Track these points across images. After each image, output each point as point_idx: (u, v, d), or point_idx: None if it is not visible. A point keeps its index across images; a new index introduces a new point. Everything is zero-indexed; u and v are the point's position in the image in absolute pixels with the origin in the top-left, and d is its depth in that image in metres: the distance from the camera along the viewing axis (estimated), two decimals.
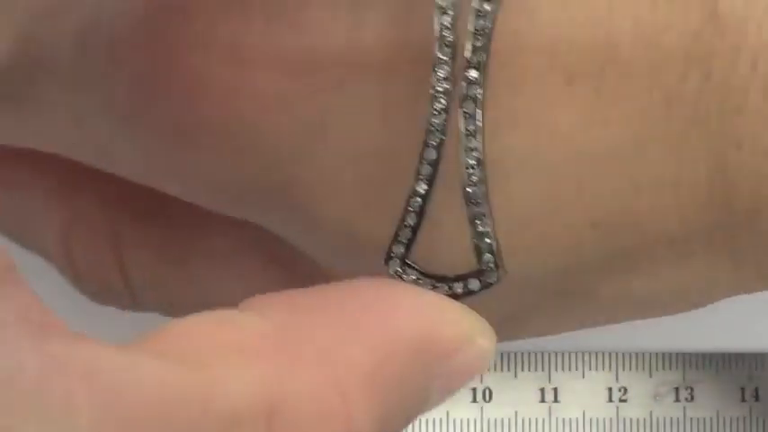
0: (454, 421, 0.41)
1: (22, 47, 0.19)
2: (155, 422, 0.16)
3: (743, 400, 0.39)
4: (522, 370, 0.41)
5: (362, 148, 0.21)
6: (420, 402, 0.20)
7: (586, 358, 0.40)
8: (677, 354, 0.40)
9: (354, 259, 0.21)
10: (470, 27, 0.19)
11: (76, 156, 0.23)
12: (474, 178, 0.19)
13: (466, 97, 0.19)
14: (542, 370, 0.41)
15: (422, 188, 0.19)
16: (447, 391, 0.20)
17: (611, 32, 0.20)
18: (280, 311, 0.19)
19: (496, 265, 0.20)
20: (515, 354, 0.40)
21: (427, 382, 0.20)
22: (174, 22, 0.20)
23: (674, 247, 0.21)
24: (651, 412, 0.40)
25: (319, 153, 0.21)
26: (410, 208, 0.20)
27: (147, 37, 0.20)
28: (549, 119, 0.21)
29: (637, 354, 0.40)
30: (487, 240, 0.19)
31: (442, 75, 0.19)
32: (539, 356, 0.41)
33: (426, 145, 0.19)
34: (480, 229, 0.19)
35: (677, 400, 0.39)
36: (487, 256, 0.20)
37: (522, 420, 0.40)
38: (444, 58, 0.19)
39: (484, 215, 0.19)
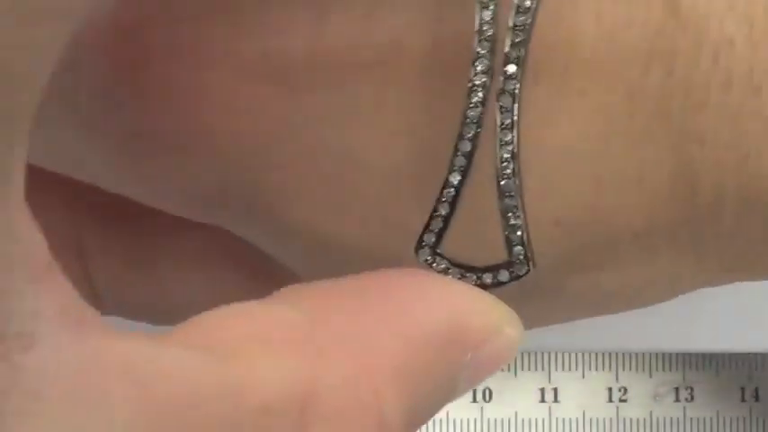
0: (454, 421, 0.41)
1: None
2: (189, 414, 0.16)
3: (743, 400, 0.40)
4: (522, 370, 0.41)
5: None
6: (447, 393, 0.20)
7: (586, 358, 0.41)
8: (677, 354, 0.40)
9: (325, 263, 0.21)
10: (510, 22, 0.19)
11: (40, 161, 0.23)
12: (507, 171, 0.20)
13: (503, 91, 0.19)
14: (542, 370, 0.41)
15: (455, 179, 0.20)
16: (474, 381, 0.20)
17: (574, 28, 0.20)
18: (309, 302, 0.19)
19: (527, 258, 0.20)
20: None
21: (455, 372, 0.20)
22: (137, 29, 0.21)
23: (637, 242, 0.22)
24: (651, 412, 0.40)
25: (289, 156, 0.21)
26: (443, 198, 0.20)
27: (110, 44, 0.21)
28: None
29: (637, 354, 0.40)
30: (519, 233, 0.20)
31: (480, 68, 0.19)
32: (539, 356, 0.41)
33: (462, 137, 0.20)
34: (512, 221, 0.20)
35: (677, 400, 0.40)
36: (518, 248, 0.20)
37: (522, 420, 0.41)
38: (483, 52, 0.19)
39: (516, 208, 0.20)
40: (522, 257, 0.20)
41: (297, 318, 0.19)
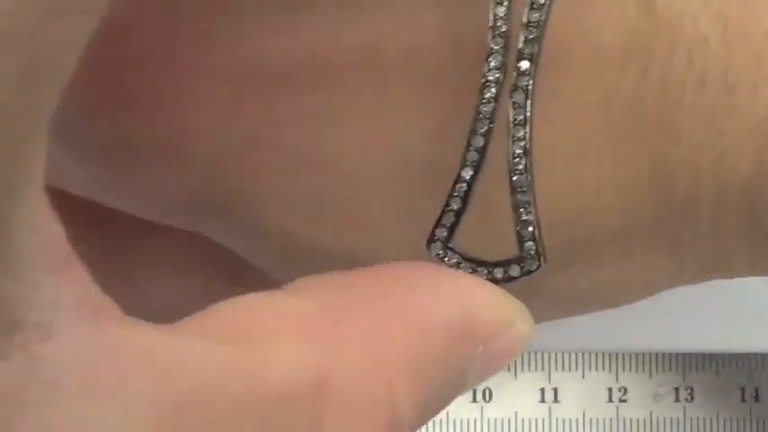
0: (454, 421, 0.41)
1: None
2: (206, 404, 0.16)
3: (743, 400, 0.40)
4: (522, 370, 0.41)
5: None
6: (458, 386, 0.20)
7: (586, 358, 0.41)
8: (677, 354, 0.41)
9: (302, 268, 0.21)
10: (524, 18, 0.19)
11: None
12: (520, 167, 0.20)
13: (516, 87, 0.19)
14: (542, 370, 0.41)
15: (468, 174, 0.20)
16: (484, 375, 0.21)
17: (550, 30, 0.20)
18: (323, 293, 0.19)
19: (538, 253, 0.20)
20: None
21: (466, 365, 0.20)
22: (110, 38, 0.21)
23: (615, 241, 0.22)
24: (651, 412, 0.40)
25: (264, 161, 0.21)
26: (455, 193, 0.20)
27: (85, 55, 0.21)
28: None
29: (637, 354, 0.41)
30: (530, 228, 0.20)
31: (493, 64, 0.19)
32: (539, 356, 0.41)
33: (474, 132, 0.20)
34: (524, 217, 0.20)
35: (677, 400, 0.40)
36: (529, 243, 0.20)
37: (522, 420, 0.41)
38: (497, 47, 0.19)
39: (528, 203, 0.20)
40: (533, 253, 0.20)
41: (311, 308, 0.19)
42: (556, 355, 0.41)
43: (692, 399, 0.40)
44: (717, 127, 0.21)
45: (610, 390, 0.40)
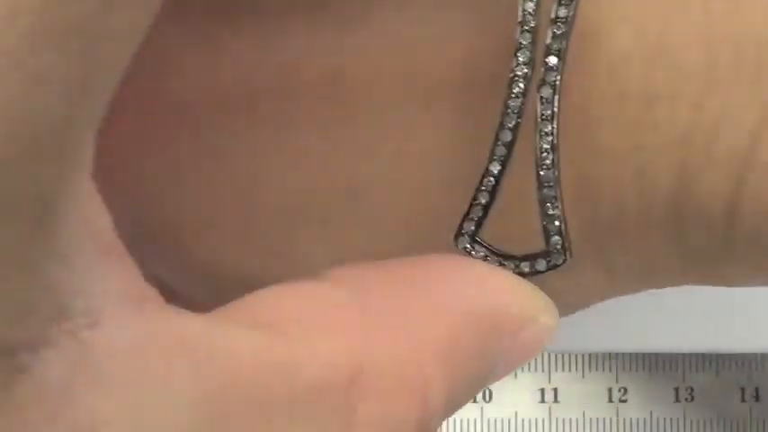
0: (454, 421, 0.42)
1: None
2: (246, 391, 0.17)
3: (743, 400, 0.40)
4: (522, 370, 0.41)
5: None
6: (484, 377, 0.21)
7: (586, 358, 0.41)
8: (677, 354, 0.41)
9: (227, 297, 0.22)
10: (553, 14, 0.20)
11: None
12: (547, 162, 0.20)
13: (544, 83, 0.20)
14: (542, 370, 0.41)
15: (495, 168, 0.20)
16: (509, 367, 0.21)
17: (471, 48, 0.21)
18: (357, 283, 0.19)
19: (564, 248, 0.20)
20: None
21: (494, 357, 0.20)
22: None
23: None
24: (651, 412, 0.40)
25: (191, 190, 0.22)
26: (483, 187, 0.20)
27: None
28: (409, 143, 0.21)
29: (637, 354, 0.41)
30: (557, 223, 0.20)
31: (522, 59, 0.20)
32: (539, 357, 0.41)
33: (502, 127, 0.20)
34: (551, 211, 0.20)
35: (677, 400, 0.40)
36: (555, 238, 0.20)
37: (522, 420, 0.41)
38: (525, 43, 0.20)
39: (555, 198, 0.20)
40: (559, 247, 0.21)
41: (345, 297, 0.19)
42: (556, 355, 0.41)
43: (692, 399, 0.40)
44: (637, 141, 0.21)
45: (610, 390, 0.41)
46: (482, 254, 0.21)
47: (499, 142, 0.20)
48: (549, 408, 0.41)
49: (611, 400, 0.41)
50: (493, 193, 0.20)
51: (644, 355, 0.41)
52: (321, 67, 0.21)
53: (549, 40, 0.20)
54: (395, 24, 0.21)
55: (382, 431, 0.18)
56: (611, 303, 0.24)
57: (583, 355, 0.41)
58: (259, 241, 0.22)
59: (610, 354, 0.41)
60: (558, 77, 0.20)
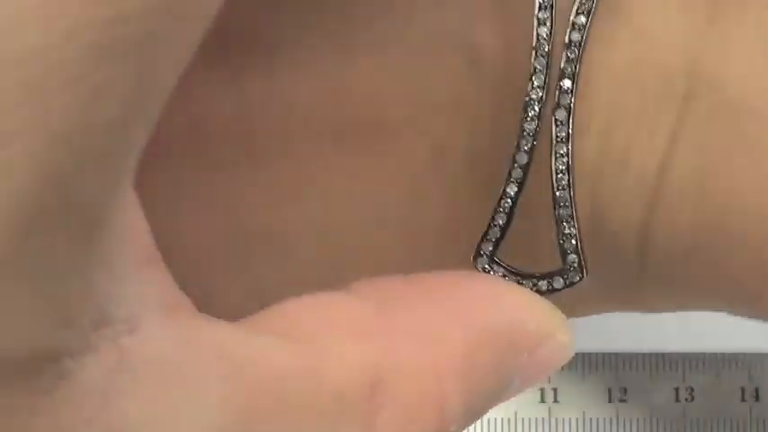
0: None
1: None
2: (274, 396, 0.18)
3: (743, 400, 0.40)
4: None
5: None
6: (500, 392, 0.21)
7: (586, 358, 0.41)
8: (677, 354, 0.41)
9: None
10: (566, 39, 0.20)
11: None
12: (563, 182, 0.21)
13: (558, 105, 0.21)
14: None
15: (512, 190, 0.21)
16: (526, 384, 0.22)
17: (379, 88, 0.21)
18: (380, 295, 0.20)
19: (580, 266, 0.21)
20: None
21: (510, 372, 0.21)
22: None
23: None
24: (651, 412, 0.41)
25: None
26: (500, 209, 0.21)
27: None
28: (317, 184, 0.22)
29: (637, 354, 0.41)
30: (573, 242, 0.21)
31: (536, 83, 0.21)
32: None
33: (518, 149, 0.21)
34: (567, 230, 0.21)
35: (677, 400, 0.40)
36: (572, 256, 0.21)
37: (522, 420, 0.41)
38: (539, 67, 0.21)
39: (571, 217, 0.21)
40: (575, 265, 0.21)
41: (368, 308, 0.20)
42: None
43: (692, 399, 0.40)
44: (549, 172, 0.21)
45: (610, 390, 0.41)
46: (500, 273, 0.22)
47: (516, 164, 0.21)
48: (549, 408, 0.41)
49: (611, 400, 0.41)
50: (510, 214, 0.21)
51: (644, 355, 0.41)
52: (231, 109, 0.21)
53: (563, 64, 0.21)
54: (305, 63, 0.22)
55: None
56: None
57: (583, 355, 0.41)
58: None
59: (610, 354, 0.41)
60: (573, 99, 0.21)
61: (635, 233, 0.21)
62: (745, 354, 0.41)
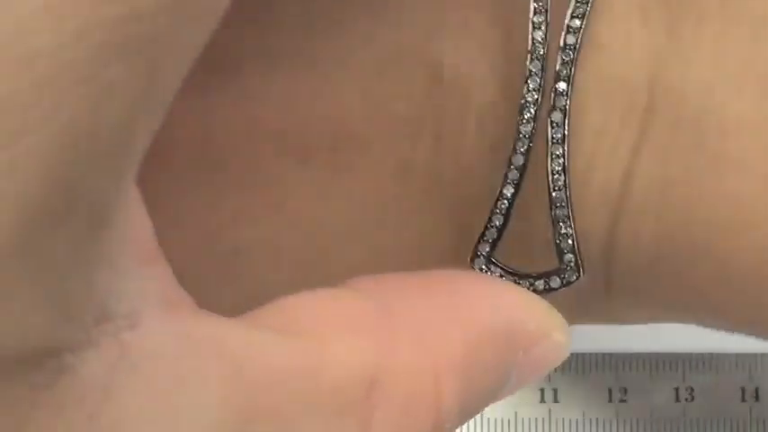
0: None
1: None
2: (275, 394, 0.18)
3: (743, 400, 0.41)
4: None
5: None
6: (497, 390, 0.22)
7: (586, 358, 0.42)
8: (677, 354, 0.41)
9: None
10: (561, 42, 0.21)
11: None
12: (559, 183, 0.21)
13: (554, 107, 0.21)
14: None
15: (509, 191, 0.21)
16: (522, 382, 0.22)
17: (342, 106, 0.22)
18: (379, 292, 0.20)
19: (577, 265, 0.22)
20: None
21: (507, 370, 0.21)
22: None
23: None
24: (651, 412, 0.41)
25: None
26: (497, 210, 0.21)
27: None
28: (281, 203, 0.22)
29: (637, 354, 0.41)
30: (569, 241, 0.21)
31: (532, 86, 0.21)
32: None
33: (515, 151, 0.21)
34: (563, 230, 0.21)
35: (677, 400, 0.41)
36: (569, 255, 0.22)
37: (522, 420, 0.42)
38: (534, 70, 0.21)
39: (567, 217, 0.21)
40: (572, 264, 0.22)
41: (367, 305, 0.20)
42: None
43: (692, 399, 0.41)
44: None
45: (610, 390, 0.41)
46: (498, 274, 0.22)
47: (512, 166, 0.21)
48: (549, 408, 0.41)
49: (611, 400, 0.41)
50: (507, 215, 0.22)
51: (644, 354, 0.41)
52: (197, 127, 0.22)
53: (558, 66, 0.21)
54: (270, 80, 0.22)
55: None
56: None
57: (583, 355, 0.42)
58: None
59: (610, 354, 0.41)
60: (568, 101, 0.21)
61: (600, 243, 0.22)
62: (745, 354, 0.41)
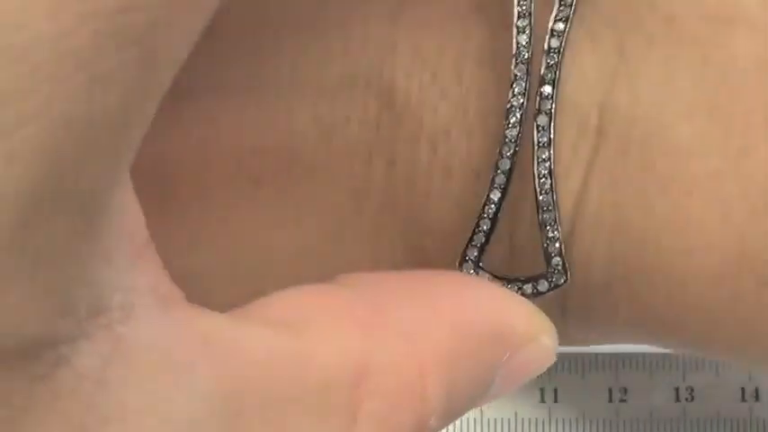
0: (453, 422, 0.42)
1: None
2: (261, 384, 0.18)
3: (743, 400, 0.41)
4: None
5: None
6: (482, 392, 0.22)
7: (586, 358, 0.42)
8: (677, 354, 0.41)
9: None
10: (545, 45, 0.21)
11: None
12: (546, 186, 0.22)
13: (539, 111, 0.21)
14: None
15: (496, 196, 0.22)
16: (509, 385, 0.22)
17: (295, 132, 0.22)
18: (367, 288, 0.21)
19: (564, 268, 0.22)
20: None
21: (492, 372, 0.22)
22: None
23: None
24: (651, 412, 0.41)
25: None
26: (484, 214, 0.22)
27: None
28: (236, 229, 0.23)
29: (637, 354, 0.41)
30: (557, 245, 0.22)
31: (517, 90, 0.21)
32: None
33: (501, 155, 0.22)
34: (550, 234, 0.22)
35: (677, 400, 0.41)
36: (556, 259, 0.22)
37: (522, 420, 0.42)
38: (519, 74, 0.21)
39: (554, 221, 0.22)
40: (560, 268, 0.22)
41: (355, 300, 0.20)
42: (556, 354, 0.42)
43: (692, 399, 0.41)
44: (467, 212, 0.22)
45: (610, 390, 0.41)
46: (486, 278, 0.22)
47: (499, 170, 0.22)
48: (549, 408, 0.41)
49: (611, 400, 0.41)
50: (494, 219, 0.22)
51: (644, 354, 0.41)
52: (147, 155, 0.22)
53: (543, 70, 0.21)
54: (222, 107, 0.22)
55: (382, 429, 0.20)
56: None
57: (583, 355, 0.41)
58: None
59: (610, 354, 0.41)
60: (553, 105, 0.21)
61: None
62: None
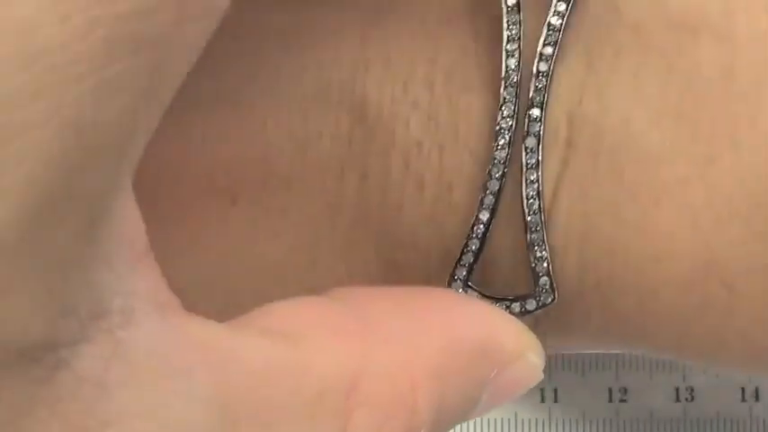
0: None
1: None
2: (256, 391, 0.19)
3: (743, 400, 0.41)
4: None
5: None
6: (469, 407, 0.22)
7: (586, 358, 0.42)
8: None
9: None
10: (534, 69, 0.22)
11: None
12: (534, 207, 0.22)
13: (528, 133, 0.22)
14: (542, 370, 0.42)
15: (484, 216, 0.22)
16: (494, 402, 0.23)
17: (269, 146, 0.22)
18: (359, 302, 0.21)
19: (552, 288, 0.23)
20: None
21: (481, 388, 0.22)
22: None
23: None
24: (651, 412, 0.41)
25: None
26: (473, 234, 0.22)
27: None
28: (210, 244, 0.23)
29: (637, 354, 0.41)
30: (545, 264, 0.22)
31: (506, 112, 0.22)
32: None
33: (490, 176, 0.22)
34: (538, 254, 0.22)
35: (677, 400, 0.41)
36: (544, 278, 0.22)
37: (522, 420, 0.42)
38: (508, 97, 0.22)
39: (542, 241, 0.22)
40: (547, 287, 0.23)
41: (347, 312, 0.21)
42: (556, 355, 0.42)
43: (692, 399, 0.41)
44: (439, 225, 0.23)
45: (610, 390, 0.42)
46: (474, 297, 0.23)
47: (488, 191, 0.22)
48: (549, 408, 0.42)
49: (611, 400, 0.41)
50: (482, 239, 0.23)
51: (644, 354, 0.41)
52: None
53: (531, 93, 0.22)
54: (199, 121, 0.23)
55: None
56: None
57: (583, 355, 0.42)
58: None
59: (610, 354, 0.42)
60: (542, 127, 0.22)
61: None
62: None
